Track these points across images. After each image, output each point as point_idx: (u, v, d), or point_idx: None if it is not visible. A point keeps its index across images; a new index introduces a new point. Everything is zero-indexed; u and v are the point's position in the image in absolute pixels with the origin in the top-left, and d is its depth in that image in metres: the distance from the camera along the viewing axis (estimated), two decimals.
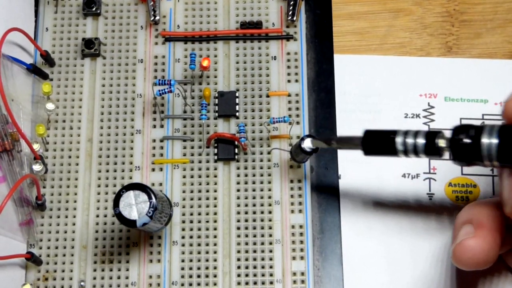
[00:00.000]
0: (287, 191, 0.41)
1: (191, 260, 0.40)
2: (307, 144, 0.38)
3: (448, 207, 0.42)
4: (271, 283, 0.40)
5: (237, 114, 0.42)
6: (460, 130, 0.32)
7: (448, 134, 0.33)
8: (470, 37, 0.45)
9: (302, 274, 0.40)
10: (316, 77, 0.43)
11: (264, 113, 0.42)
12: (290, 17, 0.43)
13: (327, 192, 0.41)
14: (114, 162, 0.42)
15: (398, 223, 0.41)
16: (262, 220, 0.41)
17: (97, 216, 0.41)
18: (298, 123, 0.42)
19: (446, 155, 0.33)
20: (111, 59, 0.43)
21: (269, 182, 0.41)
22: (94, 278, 0.40)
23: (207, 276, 0.40)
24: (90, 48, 0.43)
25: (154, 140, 0.42)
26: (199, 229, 0.41)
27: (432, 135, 0.33)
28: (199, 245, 0.40)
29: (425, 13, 0.46)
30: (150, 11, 0.43)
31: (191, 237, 0.40)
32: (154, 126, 0.42)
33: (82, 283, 0.40)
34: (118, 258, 0.40)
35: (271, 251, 0.40)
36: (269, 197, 0.41)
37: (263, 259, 0.40)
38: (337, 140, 0.38)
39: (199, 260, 0.40)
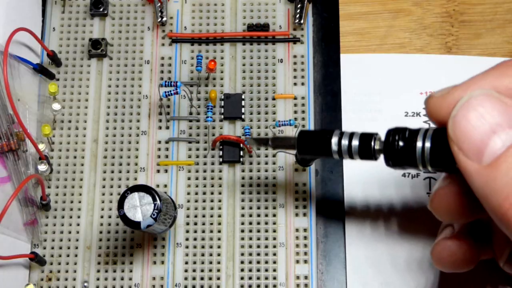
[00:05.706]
0: (291, 194, 0.41)
1: (194, 262, 0.40)
2: None
3: None
4: (275, 286, 0.39)
5: (242, 116, 0.42)
6: (394, 133, 0.31)
7: (383, 137, 0.32)
8: (469, 37, 0.45)
9: (306, 277, 0.40)
10: (322, 80, 0.43)
11: (270, 116, 0.42)
12: (297, 20, 0.43)
13: (331, 196, 0.41)
14: (119, 163, 0.42)
15: (400, 224, 0.41)
16: (266, 223, 0.40)
17: (102, 217, 0.41)
18: (304, 126, 0.42)
19: (381, 158, 0.32)
20: (118, 59, 0.43)
21: (274, 185, 0.41)
22: (98, 279, 0.40)
23: (210, 278, 0.40)
24: (96, 48, 0.43)
25: (159, 142, 0.42)
26: (203, 231, 0.41)
27: (367, 138, 0.32)
28: (203, 247, 0.40)
29: (425, 14, 0.45)
30: (157, 12, 0.43)
31: (195, 239, 0.40)
32: (160, 128, 0.42)
33: (85, 284, 0.40)
34: (122, 259, 0.40)
35: (274, 254, 0.40)
36: (274, 200, 0.41)
37: (266, 262, 0.40)
38: (272, 140, 0.37)
39: (202, 263, 0.40)
